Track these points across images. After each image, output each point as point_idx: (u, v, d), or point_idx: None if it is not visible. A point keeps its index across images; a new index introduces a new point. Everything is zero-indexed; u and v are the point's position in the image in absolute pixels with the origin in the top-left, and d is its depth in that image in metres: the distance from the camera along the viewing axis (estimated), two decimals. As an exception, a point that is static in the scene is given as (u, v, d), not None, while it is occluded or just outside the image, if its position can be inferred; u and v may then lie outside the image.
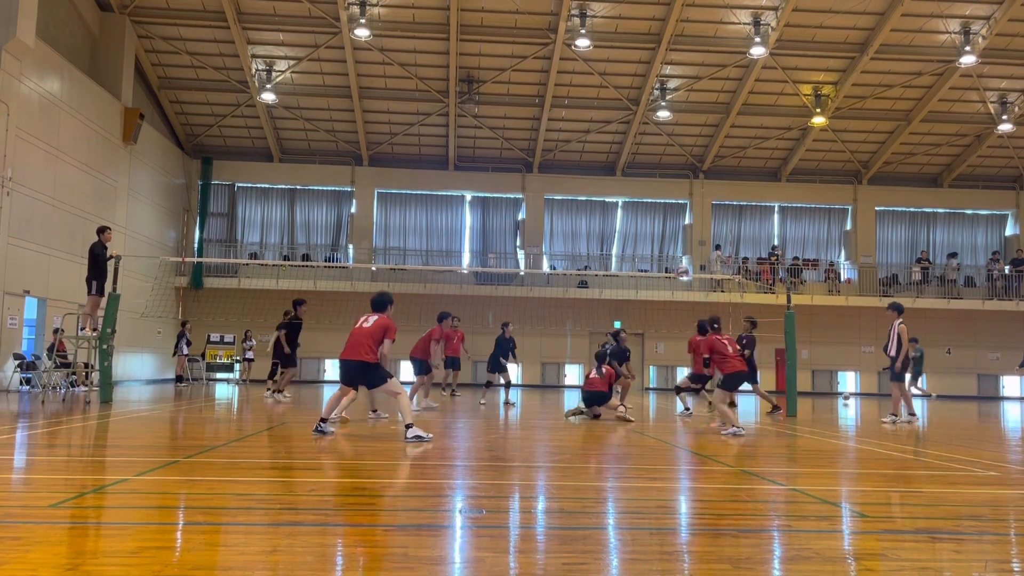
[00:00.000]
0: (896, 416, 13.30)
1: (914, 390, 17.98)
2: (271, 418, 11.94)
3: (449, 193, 30.30)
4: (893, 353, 13.25)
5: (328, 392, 21.27)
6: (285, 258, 29.42)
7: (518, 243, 30.10)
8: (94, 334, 14.28)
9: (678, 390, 14.89)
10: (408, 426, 8.77)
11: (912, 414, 13.58)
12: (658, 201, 30.78)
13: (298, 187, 30.06)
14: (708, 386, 14.45)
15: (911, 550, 4.09)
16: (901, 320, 13.34)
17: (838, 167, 30.77)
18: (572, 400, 20.62)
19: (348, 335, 9.25)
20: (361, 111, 27.51)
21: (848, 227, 31.15)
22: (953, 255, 30.61)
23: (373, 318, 9.24)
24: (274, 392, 16.53)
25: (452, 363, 18.02)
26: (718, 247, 29.59)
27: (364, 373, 9.12)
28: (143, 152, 24.72)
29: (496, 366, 17.58)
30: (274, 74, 26.03)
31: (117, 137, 22.86)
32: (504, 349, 17.62)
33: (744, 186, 30.74)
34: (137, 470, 6.30)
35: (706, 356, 11.35)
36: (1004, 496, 6.03)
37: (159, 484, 5.74)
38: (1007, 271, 29.60)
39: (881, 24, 23.75)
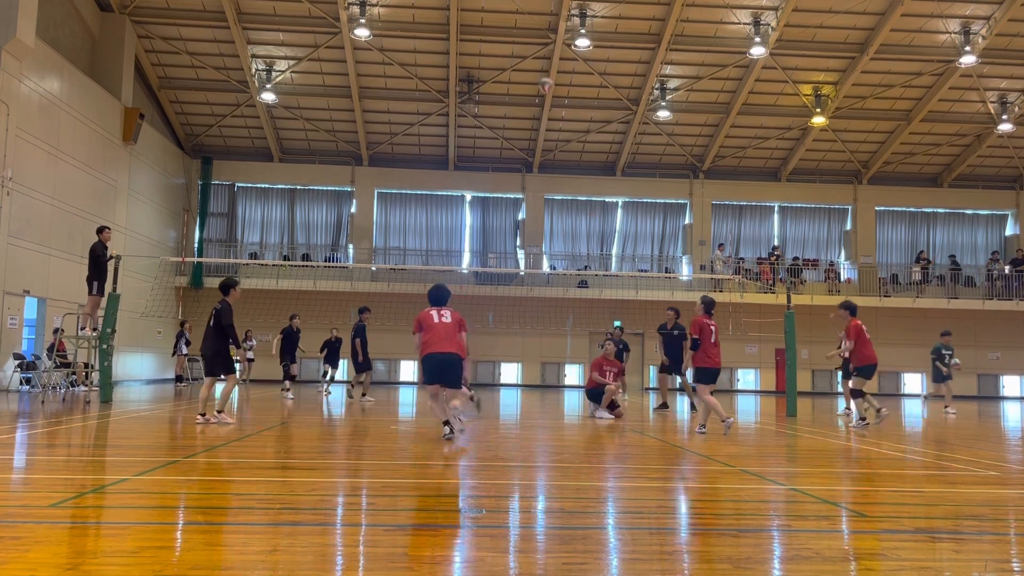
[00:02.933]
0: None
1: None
2: (271, 418, 11.94)
3: (449, 193, 30.30)
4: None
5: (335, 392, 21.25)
6: (285, 258, 29.41)
7: (518, 243, 30.10)
8: (94, 334, 14.28)
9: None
10: (462, 431, 9.33)
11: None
12: (658, 201, 30.78)
13: (298, 187, 30.06)
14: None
15: (911, 550, 4.10)
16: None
17: (838, 167, 30.77)
18: (573, 400, 20.62)
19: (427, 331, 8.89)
20: (361, 111, 27.51)
21: (848, 227, 31.15)
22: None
23: (446, 312, 8.98)
24: (363, 395, 16.92)
25: None
26: (721, 246, 29.56)
27: (458, 368, 8.83)
28: (143, 152, 24.71)
29: (293, 358, 18.67)
30: (274, 74, 26.03)
31: (117, 137, 22.86)
32: (292, 342, 18.65)
33: (744, 186, 30.74)
34: (137, 470, 6.30)
35: (695, 337, 10.56)
36: (1004, 496, 6.03)
37: (159, 484, 5.74)
38: (1007, 271, 29.60)
39: (881, 24, 23.75)
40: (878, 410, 12.44)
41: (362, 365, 16.92)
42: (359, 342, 16.67)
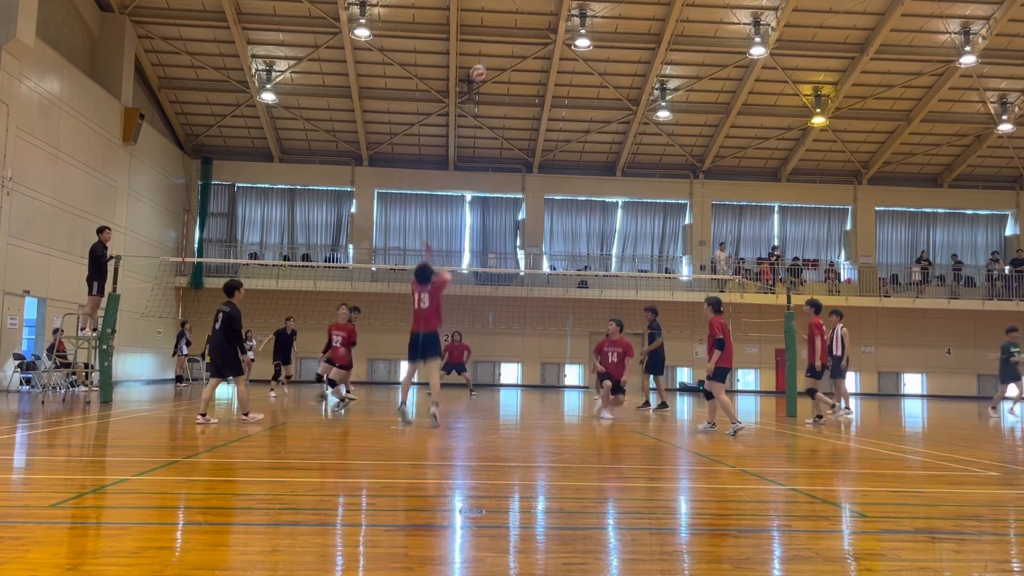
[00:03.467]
0: (845, 408, 14.58)
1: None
2: (271, 418, 11.93)
3: (449, 193, 30.29)
4: (838, 353, 14.25)
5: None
6: (285, 258, 29.41)
7: (518, 243, 30.09)
8: (94, 334, 14.27)
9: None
10: (435, 403, 10.43)
11: (847, 408, 14.66)
12: (658, 201, 30.77)
13: (298, 187, 30.06)
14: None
15: (911, 550, 4.10)
16: (842, 324, 14.52)
17: (838, 167, 30.77)
18: (573, 401, 20.63)
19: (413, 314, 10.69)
20: (361, 111, 27.50)
21: (848, 227, 31.15)
22: None
23: (426, 294, 10.55)
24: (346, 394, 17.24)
25: (459, 368, 19.61)
26: (722, 245, 29.55)
27: (435, 343, 10.62)
28: (143, 152, 24.71)
29: (287, 359, 19.05)
30: (274, 74, 26.02)
31: (117, 137, 22.85)
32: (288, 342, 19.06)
33: (744, 186, 30.73)
34: (137, 470, 6.30)
35: (719, 337, 10.51)
36: (1004, 496, 6.03)
37: (159, 484, 5.74)
38: (1007, 271, 29.60)
39: (881, 24, 23.75)
40: (819, 416, 12.85)
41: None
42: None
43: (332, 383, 13.70)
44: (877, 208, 31.12)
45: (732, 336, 11.02)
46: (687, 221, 30.63)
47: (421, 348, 10.47)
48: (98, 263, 14.17)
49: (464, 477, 6.47)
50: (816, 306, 13.37)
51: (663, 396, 16.07)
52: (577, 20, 23.39)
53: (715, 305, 10.86)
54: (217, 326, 10.45)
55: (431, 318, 10.54)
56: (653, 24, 24.11)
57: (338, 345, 13.52)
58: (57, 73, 19.66)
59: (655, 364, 15.82)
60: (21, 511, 4.70)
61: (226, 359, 10.48)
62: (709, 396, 10.88)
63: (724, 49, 24.87)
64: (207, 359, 13.63)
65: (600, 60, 25.45)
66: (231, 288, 10.66)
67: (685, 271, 30.42)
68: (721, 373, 10.65)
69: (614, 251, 30.53)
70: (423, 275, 10.65)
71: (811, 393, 13.07)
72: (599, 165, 30.60)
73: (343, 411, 13.00)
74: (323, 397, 13.47)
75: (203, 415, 10.26)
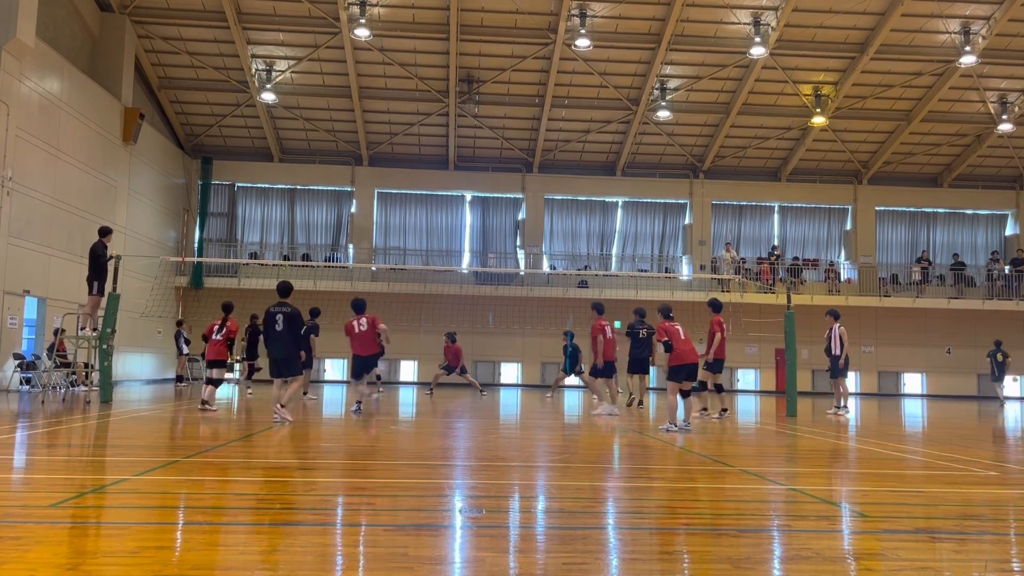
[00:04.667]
0: (844, 408, 15.39)
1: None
2: (271, 418, 11.92)
3: (449, 193, 30.29)
4: (837, 352, 15.20)
5: (329, 390, 21.30)
6: (285, 258, 29.41)
7: (518, 243, 30.09)
8: (94, 334, 14.28)
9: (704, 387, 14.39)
10: (369, 395, 13.58)
11: (846, 407, 15.54)
12: (658, 201, 30.77)
13: (298, 187, 30.05)
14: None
15: (911, 550, 4.10)
16: (840, 324, 15.33)
17: (838, 167, 30.76)
18: (573, 400, 20.62)
19: (350, 337, 12.54)
20: (361, 111, 27.50)
21: (848, 227, 31.15)
22: None
23: (364, 320, 12.37)
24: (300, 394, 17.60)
25: (460, 370, 20.19)
26: (728, 245, 29.51)
27: (373, 363, 12.85)
28: (143, 152, 24.70)
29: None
30: (274, 74, 26.02)
31: (117, 137, 22.85)
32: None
33: (744, 186, 30.73)
34: (137, 470, 6.30)
35: (665, 340, 11.00)
36: (1004, 496, 6.03)
37: (159, 484, 5.74)
38: (1007, 271, 29.60)
39: (881, 24, 23.74)
40: (704, 409, 13.74)
41: (305, 364, 17.49)
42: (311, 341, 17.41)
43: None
44: (877, 208, 31.12)
45: (731, 336, 11.31)
46: (687, 221, 30.63)
47: (362, 367, 12.71)
48: (98, 263, 14.17)
49: (464, 477, 6.47)
50: (715, 306, 13.96)
51: (641, 394, 16.57)
52: (577, 20, 23.39)
53: (662, 312, 11.46)
54: (279, 328, 10.61)
55: (368, 342, 12.46)
56: (653, 24, 24.11)
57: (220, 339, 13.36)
58: (57, 73, 19.65)
59: (634, 363, 16.33)
60: (21, 511, 4.70)
61: (291, 359, 10.75)
62: (703, 388, 11.36)
63: (724, 49, 24.87)
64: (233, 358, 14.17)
65: (600, 60, 25.44)
66: (288, 289, 10.91)
67: (685, 271, 30.41)
68: (676, 372, 11.03)
69: (614, 251, 30.53)
70: (359, 307, 12.55)
71: (703, 386, 13.70)
72: (599, 165, 30.60)
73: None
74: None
75: (282, 405, 10.69)
